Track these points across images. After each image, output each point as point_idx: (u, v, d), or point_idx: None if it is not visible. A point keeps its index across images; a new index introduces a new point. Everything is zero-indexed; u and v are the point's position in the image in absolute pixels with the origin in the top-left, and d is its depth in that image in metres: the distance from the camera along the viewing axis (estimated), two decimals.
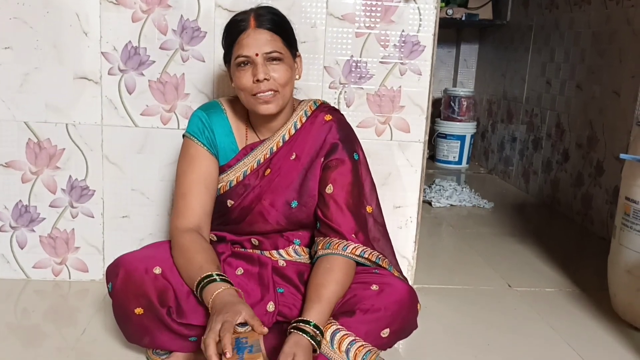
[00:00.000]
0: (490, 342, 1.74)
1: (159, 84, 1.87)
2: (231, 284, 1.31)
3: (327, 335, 1.33)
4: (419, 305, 1.47)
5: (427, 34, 1.88)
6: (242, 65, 1.41)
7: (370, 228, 1.54)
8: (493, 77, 4.29)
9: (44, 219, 1.94)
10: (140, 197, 1.94)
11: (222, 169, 1.52)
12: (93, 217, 1.95)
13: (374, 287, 1.41)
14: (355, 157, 1.52)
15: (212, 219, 1.51)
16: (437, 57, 2.08)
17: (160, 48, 1.85)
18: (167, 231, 1.91)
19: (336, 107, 1.76)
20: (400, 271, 1.58)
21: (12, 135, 1.87)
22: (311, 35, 1.86)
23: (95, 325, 1.71)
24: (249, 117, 1.54)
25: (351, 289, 1.42)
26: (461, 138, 4.23)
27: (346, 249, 1.43)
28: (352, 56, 1.89)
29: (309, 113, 1.54)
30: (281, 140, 1.51)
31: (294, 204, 1.50)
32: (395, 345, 1.52)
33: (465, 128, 4.23)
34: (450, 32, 4.60)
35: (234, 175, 1.52)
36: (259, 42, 1.39)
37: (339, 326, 1.35)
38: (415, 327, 1.49)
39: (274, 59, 1.41)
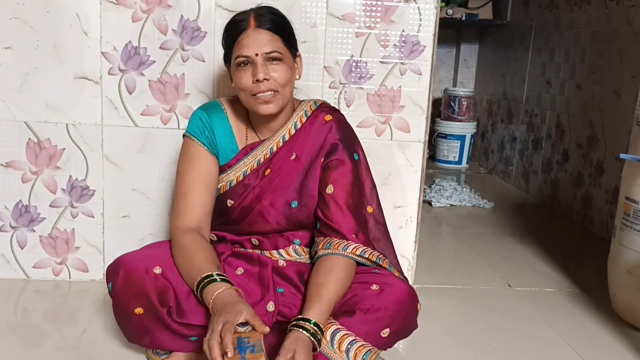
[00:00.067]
0: (490, 342, 1.74)
1: (159, 84, 1.87)
2: (231, 284, 1.31)
3: (327, 335, 1.33)
4: (419, 305, 1.47)
5: (427, 34, 1.88)
6: (242, 65, 1.41)
7: (371, 228, 1.54)
8: (493, 77, 4.29)
9: (44, 218, 1.94)
10: (140, 197, 1.94)
11: (222, 169, 1.52)
12: (93, 217, 1.95)
13: (374, 287, 1.41)
14: (356, 157, 1.52)
15: (212, 219, 1.51)
16: (437, 57, 2.08)
17: (161, 48, 1.85)
18: (167, 231, 1.92)
19: (336, 107, 1.76)
20: (401, 271, 1.58)
21: (12, 135, 1.87)
22: (311, 35, 1.86)
23: (95, 325, 1.72)
24: (249, 117, 1.54)
25: (351, 288, 1.42)
26: (461, 138, 4.23)
27: (347, 248, 1.43)
28: (352, 56, 1.89)
29: (309, 113, 1.54)
30: (281, 140, 1.52)
31: (294, 204, 1.50)
32: (396, 345, 1.52)
33: (465, 128, 4.23)
34: (450, 32, 4.60)
35: (234, 175, 1.52)
36: (258, 42, 1.40)
37: (339, 326, 1.35)
38: (416, 327, 1.49)
39: (274, 59, 1.41)
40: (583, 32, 3.07)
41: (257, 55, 1.39)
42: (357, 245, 1.45)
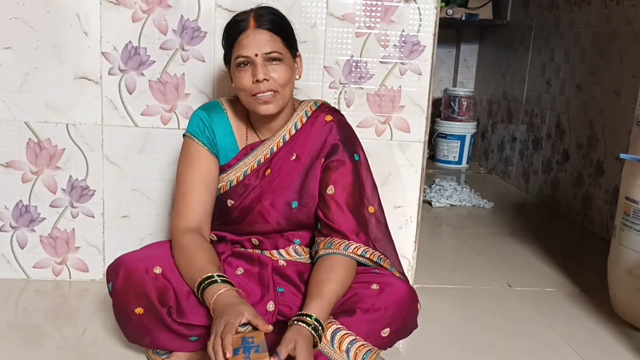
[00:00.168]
0: (490, 342, 1.74)
1: (159, 84, 1.87)
2: (232, 285, 1.31)
3: (328, 334, 1.34)
4: (419, 305, 1.47)
5: (427, 34, 1.88)
6: (242, 65, 1.41)
7: (373, 228, 1.54)
8: (493, 77, 4.29)
9: (44, 219, 1.94)
10: (140, 197, 1.94)
11: (223, 169, 1.52)
12: (93, 217, 1.95)
13: (375, 286, 1.41)
14: (356, 158, 1.52)
15: (213, 219, 1.51)
16: (437, 57, 2.08)
17: (161, 48, 1.85)
18: (167, 231, 1.92)
19: (336, 107, 1.77)
20: (402, 272, 1.58)
21: (12, 135, 1.87)
22: (311, 35, 1.86)
23: (95, 325, 1.72)
24: (249, 117, 1.54)
25: (351, 288, 1.42)
26: (461, 138, 4.23)
27: (348, 248, 1.43)
28: (352, 56, 1.89)
29: (309, 113, 1.54)
30: (281, 141, 1.52)
31: (295, 204, 1.50)
32: (396, 345, 1.52)
33: (465, 128, 4.23)
34: (450, 32, 4.60)
35: (234, 175, 1.52)
36: (258, 43, 1.40)
37: (339, 325, 1.35)
38: (416, 326, 1.49)
39: (274, 59, 1.41)
40: (583, 32, 3.07)
41: (256, 55, 1.39)
42: (358, 245, 1.45)
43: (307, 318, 1.29)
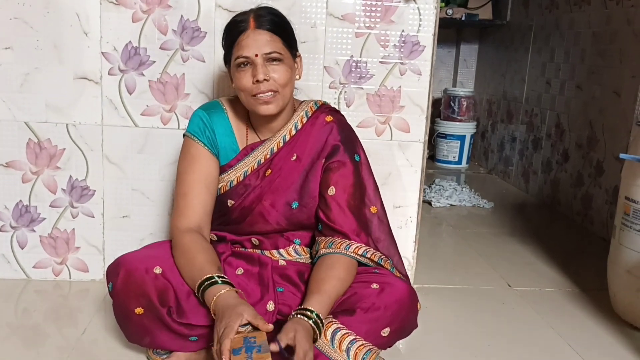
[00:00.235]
0: (490, 342, 1.74)
1: (159, 84, 1.87)
2: (232, 286, 1.31)
3: (328, 334, 1.34)
4: (419, 304, 1.47)
5: (427, 34, 1.88)
6: (242, 65, 1.41)
7: (375, 228, 1.54)
8: (493, 77, 4.29)
9: (45, 219, 1.94)
10: (140, 197, 1.94)
11: (223, 169, 1.53)
12: (93, 217, 1.95)
13: (375, 285, 1.41)
14: (357, 158, 1.52)
15: (213, 219, 1.51)
16: (437, 57, 2.08)
17: (161, 48, 1.85)
18: (167, 231, 1.92)
19: (336, 107, 1.77)
20: (404, 273, 1.58)
21: (12, 135, 1.87)
22: (311, 35, 1.86)
23: (95, 325, 1.72)
24: (250, 118, 1.54)
25: (351, 287, 1.42)
26: (461, 138, 4.23)
27: (349, 248, 1.44)
28: (352, 56, 1.89)
29: (309, 114, 1.54)
30: (282, 141, 1.52)
31: (295, 204, 1.50)
32: (396, 345, 1.52)
33: (465, 128, 4.23)
34: (450, 32, 4.60)
35: (235, 175, 1.52)
36: (258, 43, 1.40)
37: (339, 325, 1.35)
38: (416, 326, 1.49)
39: (274, 59, 1.41)
40: (583, 32, 3.07)
41: (256, 56, 1.39)
42: (359, 244, 1.45)
43: (308, 312, 1.30)
